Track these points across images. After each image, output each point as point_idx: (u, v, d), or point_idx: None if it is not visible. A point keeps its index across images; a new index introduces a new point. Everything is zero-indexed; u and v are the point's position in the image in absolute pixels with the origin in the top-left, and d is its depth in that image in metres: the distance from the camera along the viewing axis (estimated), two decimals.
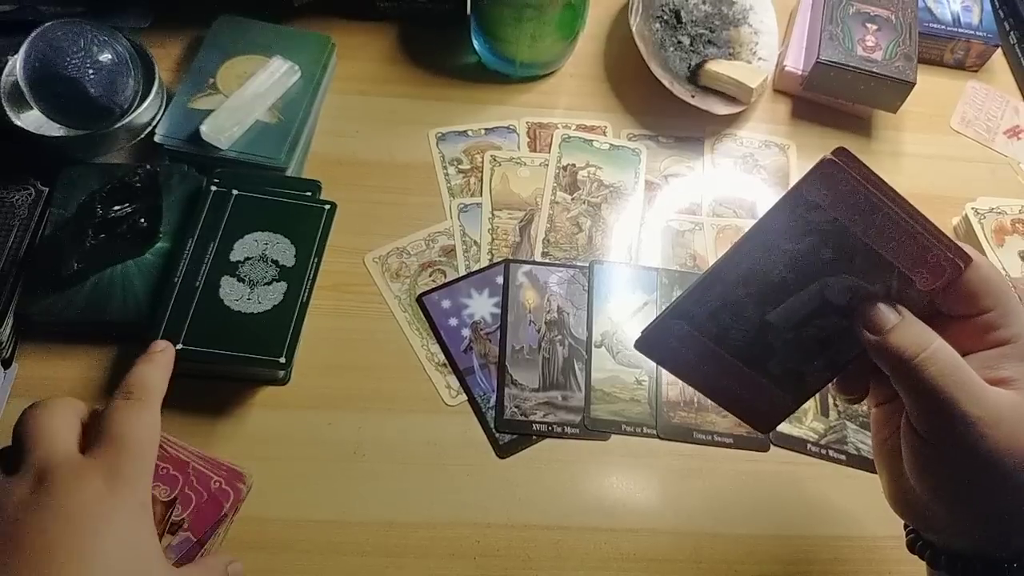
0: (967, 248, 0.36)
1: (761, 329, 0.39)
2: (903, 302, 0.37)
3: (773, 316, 0.38)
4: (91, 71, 0.58)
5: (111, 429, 0.38)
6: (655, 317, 0.40)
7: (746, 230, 0.37)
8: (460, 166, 0.67)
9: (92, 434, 0.39)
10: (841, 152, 0.35)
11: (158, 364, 0.44)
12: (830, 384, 0.40)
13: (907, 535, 0.42)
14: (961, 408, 0.34)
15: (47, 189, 0.59)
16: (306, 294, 0.55)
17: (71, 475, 0.36)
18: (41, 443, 0.37)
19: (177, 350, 0.52)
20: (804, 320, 0.38)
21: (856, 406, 0.57)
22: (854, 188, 0.35)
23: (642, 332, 0.41)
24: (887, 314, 0.36)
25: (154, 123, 0.63)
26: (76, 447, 0.38)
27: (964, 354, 0.37)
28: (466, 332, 0.59)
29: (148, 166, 0.57)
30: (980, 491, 0.36)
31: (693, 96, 0.69)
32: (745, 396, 0.41)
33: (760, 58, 0.73)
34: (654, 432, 0.56)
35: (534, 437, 0.55)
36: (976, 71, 0.79)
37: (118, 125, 0.61)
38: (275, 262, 0.56)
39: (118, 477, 0.37)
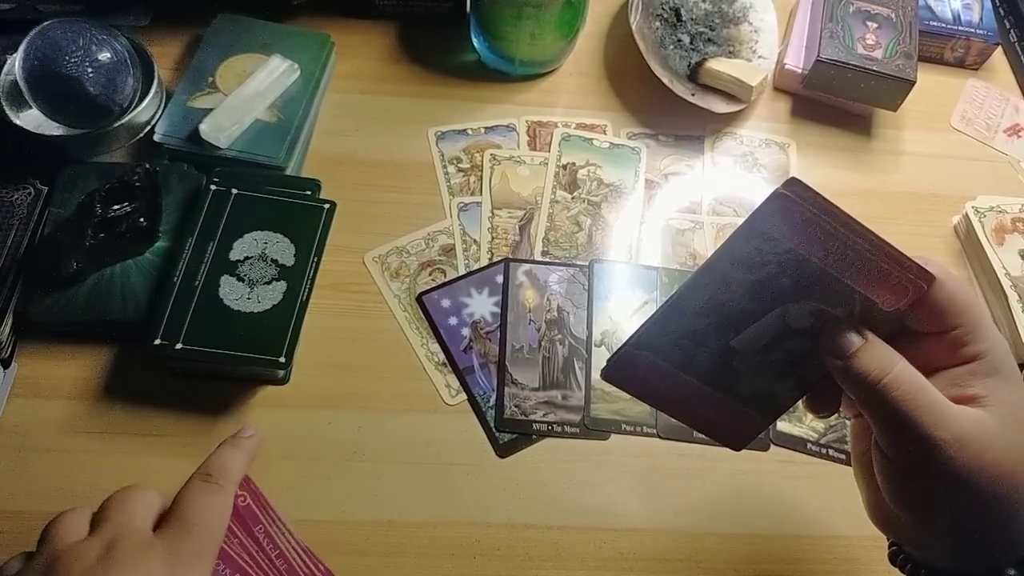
0: (932, 266, 0.35)
1: (726, 355, 0.38)
2: (868, 323, 0.36)
3: (737, 342, 0.38)
4: (90, 70, 0.58)
5: (182, 508, 0.39)
6: (619, 346, 0.39)
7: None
8: (460, 165, 0.67)
9: (167, 512, 0.40)
10: (793, 183, 0.34)
11: (243, 450, 0.44)
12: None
13: (889, 547, 0.42)
14: (926, 431, 0.34)
15: (46, 188, 0.59)
16: (306, 293, 0.55)
17: (135, 550, 0.37)
18: (120, 514, 0.38)
19: (176, 350, 0.52)
20: (769, 345, 0.38)
21: None
22: (808, 219, 0.34)
23: (608, 362, 0.40)
24: (850, 338, 0.36)
25: (153, 122, 0.63)
26: (150, 524, 0.39)
27: (935, 371, 0.36)
28: (466, 331, 0.59)
29: (147, 165, 0.57)
30: (950, 510, 0.36)
31: (693, 94, 0.69)
32: (715, 418, 0.41)
33: (760, 56, 0.73)
34: (654, 431, 0.56)
35: (534, 436, 0.55)
36: (976, 69, 0.79)
37: (117, 124, 0.61)
38: (275, 261, 0.56)
39: (179, 556, 0.37)
